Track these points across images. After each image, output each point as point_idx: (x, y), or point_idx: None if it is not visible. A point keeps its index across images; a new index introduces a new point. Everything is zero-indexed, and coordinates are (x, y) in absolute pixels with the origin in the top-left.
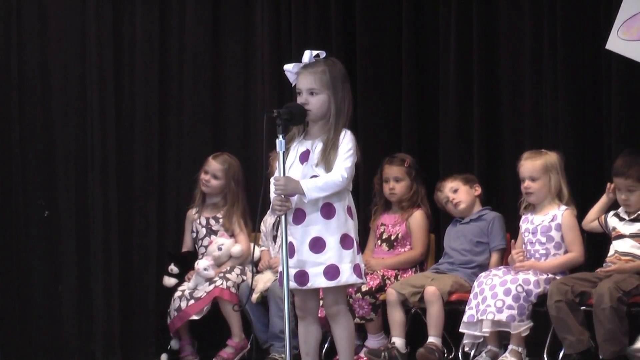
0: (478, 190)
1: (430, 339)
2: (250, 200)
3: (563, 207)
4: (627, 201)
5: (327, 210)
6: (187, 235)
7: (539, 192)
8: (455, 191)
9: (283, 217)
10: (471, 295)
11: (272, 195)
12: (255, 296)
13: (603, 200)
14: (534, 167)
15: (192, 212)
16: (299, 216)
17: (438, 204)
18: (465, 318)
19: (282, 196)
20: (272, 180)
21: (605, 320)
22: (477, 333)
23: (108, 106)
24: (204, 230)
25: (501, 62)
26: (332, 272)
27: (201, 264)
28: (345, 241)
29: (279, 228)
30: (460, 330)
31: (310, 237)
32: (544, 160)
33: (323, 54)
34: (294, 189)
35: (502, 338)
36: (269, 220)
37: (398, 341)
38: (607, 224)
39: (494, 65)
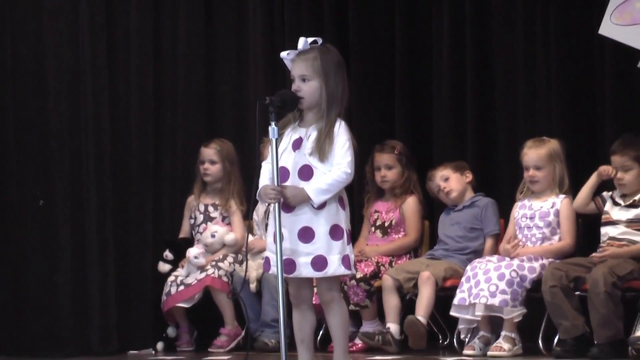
0: (469, 177)
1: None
2: (245, 188)
3: (562, 196)
4: (622, 180)
5: None
6: (185, 221)
7: (543, 180)
8: (447, 179)
9: (276, 204)
10: (463, 279)
11: (261, 182)
12: (252, 285)
13: (593, 180)
14: (539, 155)
15: (192, 199)
16: (289, 205)
17: (430, 193)
18: (456, 301)
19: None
20: (263, 164)
21: (600, 305)
22: (468, 317)
23: (102, 96)
24: (201, 217)
25: (494, 48)
26: (319, 262)
27: (192, 252)
28: (335, 232)
29: (270, 216)
30: (451, 313)
31: (300, 227)
32: (549, 149)
33: (320, 41)
34: (302, 197)
35: (495, 326)
36: (260, 208)
37: (393, 327)
38: (604, 204)
39: (487, 52)
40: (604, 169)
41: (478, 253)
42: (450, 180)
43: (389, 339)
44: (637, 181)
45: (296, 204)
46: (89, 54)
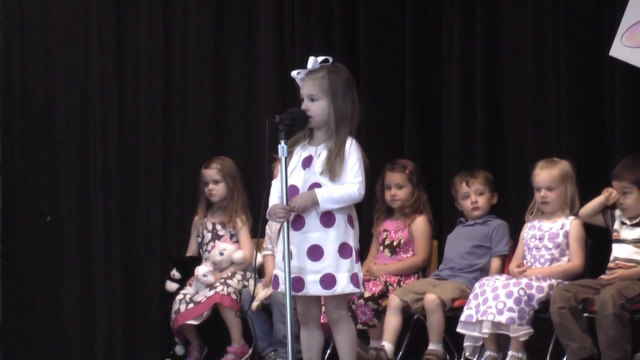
0: (495, 199)
1: (431, 346)
2: (254, 205)
3: (571, 217)
4: (622, 205)
5: (327, 219)
6: (193, 240)
7: (555, 201)
8: (481, 194)
9: (285, 223)
10: (471, 296)
11: (271, 201)
12: (255, 304)
13: (601, 198)
14: (552, 176)
15: (198, 218)
16: (298, 223)
17: (452, 191)
18: (463, 317)
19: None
20: (273, 182)
21: (608, 327)
22: (475, 334)
23: (111, 112)
24: (209, 235)
25: (504, 68)
26: (328, 280)
27: (200, 270)
28: (343, 250)
29: (280, 234)
30: (458, 330)
31: (309, 245)
32: (561, 170)
33: (330, 60)
34: (311, 201)
35: (502, 345)
36: (274, 224)
37: (388, 346)
38: (613, 221)
39: (496, 72)
40: (609, 191)
41: (484, 271)
42: (482, 197)
43: (382, 356)
44: (638, 205)
45: (303, 209)
46: (98, 69)
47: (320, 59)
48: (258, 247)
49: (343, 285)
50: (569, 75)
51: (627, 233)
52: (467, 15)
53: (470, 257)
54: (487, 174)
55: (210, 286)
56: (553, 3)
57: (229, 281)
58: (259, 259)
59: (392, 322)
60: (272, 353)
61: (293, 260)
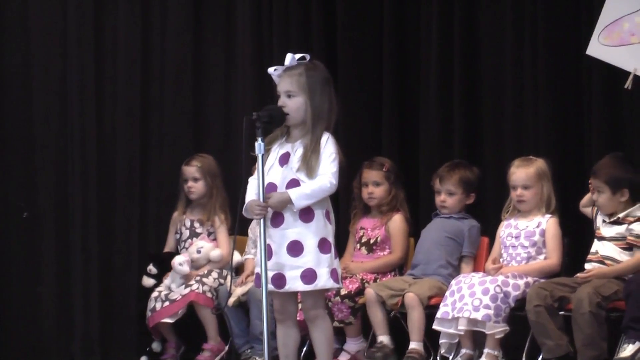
0: (471, 199)
1: (412, 345)
2: (232, 202)
3: (548, 215)
4: (597, 202)
5: (306, 214)
6: (171, 236)
7: (531, 200)
8: (451, 194)
9: (262, 220)
10: (447, 293)
11: (247, 197)
12: (232, 300)
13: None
14: (528, 175)
15: (177, 215)
16: (277, 219)
17: (431, 183)
18: (439, 314)
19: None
20: (250, 179)
21: (585, 325)
22: (451, 331)
23: (89, 107)
24: (187, 232)
25: (482, 66)
26: (309, 276)
27: (177, 258)
28: (323, 245)
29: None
30: (434, 327)
31: (289, 241)
32: (537, 168)
33: (307, 57)
34: (284, 202)
35: (479, 344)
36: (257, 227)
37: (385, 339)
38: (596, 219)
39: (474, 70)
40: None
41: (454, 267)
42: (453, 198)
43: (387, 352)
44: (610, 204)
45: (280, 209)
46: (76, 65)
47: (297, 56)
48: (235, 245)
49: (324, 280)
50: (547, 73)
51: (606, 230)
52: (445, 13)
53: (442, 249)
54: (466, 173)
55: (186, 278)
56: (531, 1)
57: (204, 279)
58: (239, 258)
59: (378, 316)
60: (249, 350)
61: (273, 257)
